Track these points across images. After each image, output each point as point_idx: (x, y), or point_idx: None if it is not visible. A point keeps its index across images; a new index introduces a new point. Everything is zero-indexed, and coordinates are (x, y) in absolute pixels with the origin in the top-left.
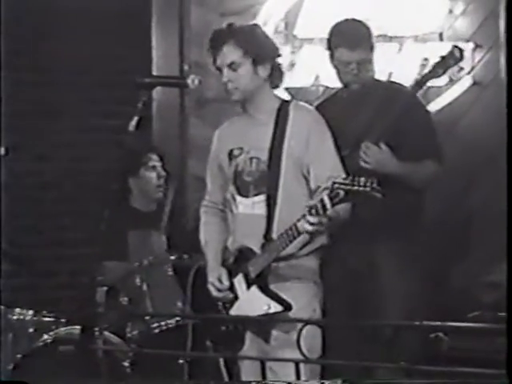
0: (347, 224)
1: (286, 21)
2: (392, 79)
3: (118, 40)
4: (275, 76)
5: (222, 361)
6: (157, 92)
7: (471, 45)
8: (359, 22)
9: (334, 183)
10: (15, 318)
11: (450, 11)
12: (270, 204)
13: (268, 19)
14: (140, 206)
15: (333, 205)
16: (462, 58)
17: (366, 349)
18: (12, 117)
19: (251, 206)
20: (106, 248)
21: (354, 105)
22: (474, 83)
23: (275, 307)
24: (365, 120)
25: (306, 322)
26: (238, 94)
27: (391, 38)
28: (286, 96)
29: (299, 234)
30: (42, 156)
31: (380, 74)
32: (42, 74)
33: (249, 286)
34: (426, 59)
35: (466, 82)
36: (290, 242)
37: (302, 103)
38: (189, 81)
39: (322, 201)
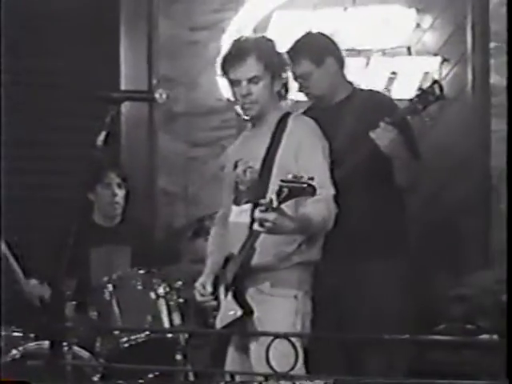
0: (322, 230)
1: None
2: None
3: (85, 54)
4: (285, 89)
5: (191, 375)
6: (125, 106)
7: (439, 59)
8: (314, 35)
9: (281, 181)
10: None
11: (418, 25)
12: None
13: (236, 34)
14: (101, 221)
15: (279, 202)
16: (443, 96)
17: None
18: None
19: (239, 215)
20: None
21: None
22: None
23: (240, 311)
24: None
25: (275, 336)
26: (256, 108)
27: (359, 51)
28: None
29: (258, 233)
30: (8, 169)
31: None
32: (7, 88)
33: (226, 293)
34: (393, 73)
35: None
36: (251, 245)
37: (301, 115)
38: (157, 95)
39: (270, 199)
